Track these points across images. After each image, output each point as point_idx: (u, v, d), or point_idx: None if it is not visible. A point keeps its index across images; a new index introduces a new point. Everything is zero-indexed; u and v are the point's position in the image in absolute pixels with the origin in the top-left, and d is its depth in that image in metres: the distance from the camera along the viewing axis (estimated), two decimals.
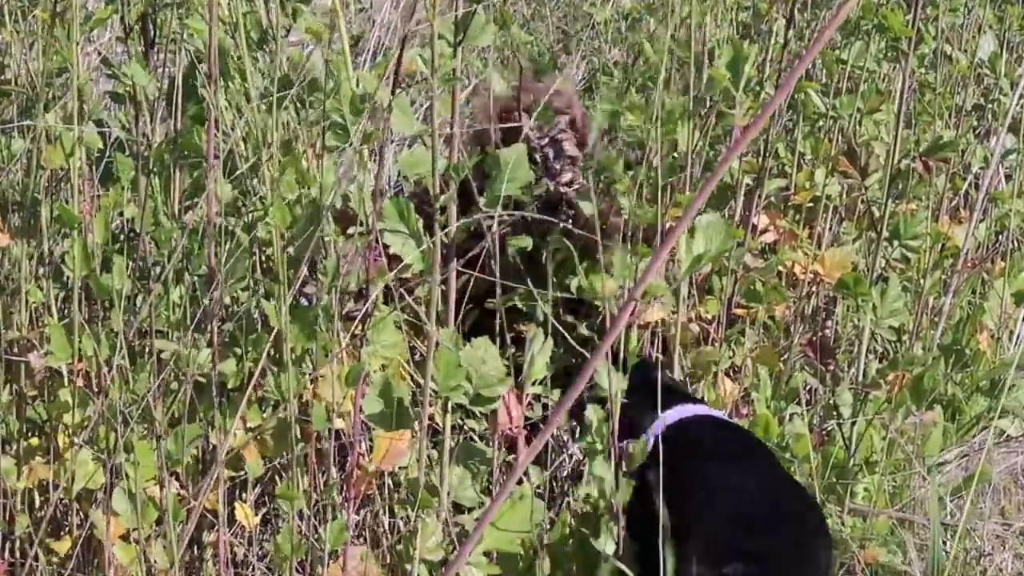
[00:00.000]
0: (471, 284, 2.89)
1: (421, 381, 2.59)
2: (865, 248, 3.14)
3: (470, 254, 2.72)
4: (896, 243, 2.83)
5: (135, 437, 2.53)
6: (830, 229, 3.23)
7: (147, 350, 2.59)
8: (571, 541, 2.60)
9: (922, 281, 3.01)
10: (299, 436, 2.62)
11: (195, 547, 2.78)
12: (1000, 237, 3.71)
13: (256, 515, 2.77)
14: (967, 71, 3.40)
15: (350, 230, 2.63)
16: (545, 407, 2.79)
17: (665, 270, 2.85)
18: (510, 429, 2.69)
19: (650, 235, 2.80)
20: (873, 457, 2.87)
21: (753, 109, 2.75)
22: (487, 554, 2.62)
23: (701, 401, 2.72)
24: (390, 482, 2.80)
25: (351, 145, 2.60)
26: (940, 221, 3.35)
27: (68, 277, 2.69)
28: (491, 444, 2.70)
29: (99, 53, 2.79)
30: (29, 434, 2.78)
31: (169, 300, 2.64)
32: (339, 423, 2.64)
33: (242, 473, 2.73)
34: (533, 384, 2.62)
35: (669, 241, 1.40)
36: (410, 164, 2.66)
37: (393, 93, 2.53)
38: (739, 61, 2.75)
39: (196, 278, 2.67)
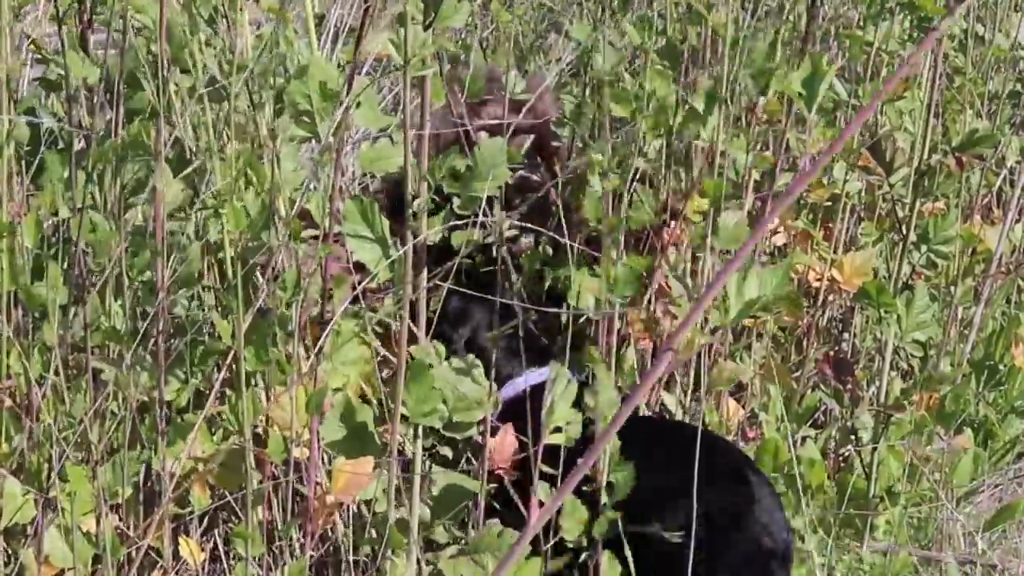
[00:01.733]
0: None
1: (390, 403, 2.40)
2: (887, 252, 2.90)
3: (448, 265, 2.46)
4: (924, 247, 2.60)
5: (70, 464, 2.37)
6: (847, 230, 2.97)
7: (84, 367, 2.41)
8: None
9: (952, 289, 2.77)
10: (253, 466, 2.44)
11: None
12: None
13: (203, 551, 2.59)
14: (1002, 54, 3.13)
15: (305, 233, 2.40)
16: None
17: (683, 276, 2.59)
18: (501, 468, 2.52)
19: (640, 236, 2.58)
20: (895, 487, 2.69)
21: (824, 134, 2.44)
22: None
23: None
24: (354, 513, 2.61)
25: (317, 137, 2.39)
26: (971, 221, 3.09)
27: None
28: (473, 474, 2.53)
29: (27, 36, 2.55)
30: None
31: (109, 311, 2.45)
32: (299, 452, 2.46)
33: (188, 509, 2.55)
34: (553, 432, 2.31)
35: (717, 283, 1.23)
36: (371, 159, 2.47)
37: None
38: (817, 78, 2.45)
39: (140, 286, 2.48)
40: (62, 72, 2.51)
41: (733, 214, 2.59)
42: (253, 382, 2.45)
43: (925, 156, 2.65)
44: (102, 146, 2.44)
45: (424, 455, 2.53)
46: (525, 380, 2.64)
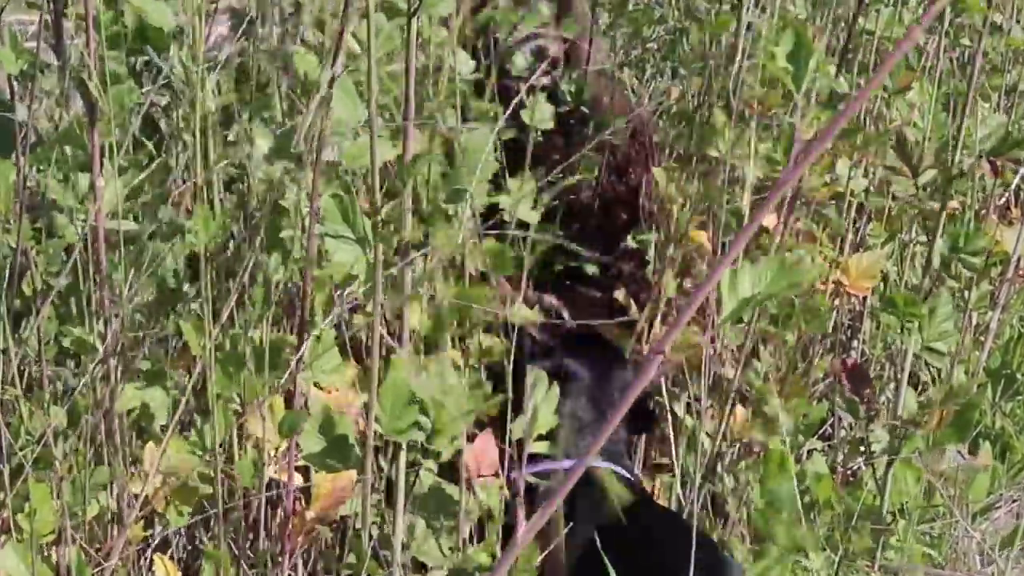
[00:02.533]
0: None
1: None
2: (898, 253, 2.77)
3: None
4: (953, 256, 2.47)
5: (32, 480, 2.25)
6: (857, 230, 2.84)
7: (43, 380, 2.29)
8: None
9: (966, 294, 2.65)
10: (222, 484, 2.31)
11: None
12: None
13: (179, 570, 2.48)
14: (1020, 45, 3.00)
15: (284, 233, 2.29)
16: None
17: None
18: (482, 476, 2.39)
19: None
20: (908, 503, 2.61)
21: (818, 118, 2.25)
22: None
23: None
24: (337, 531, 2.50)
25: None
26: (986, 222, 2.97)
27: None
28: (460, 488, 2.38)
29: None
30: None
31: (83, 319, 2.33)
32: (273, 471, 2.36)
33: (160, 528, 2.46)
34: (537, 440, 2.20)
35: (709, 282, 1.16)
36: (353, 156, 2.33)
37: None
38: (804, 52, 2.17)
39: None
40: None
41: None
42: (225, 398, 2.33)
43: (948, 158, 2.53)
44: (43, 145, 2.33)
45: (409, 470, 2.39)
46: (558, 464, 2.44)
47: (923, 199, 2.58)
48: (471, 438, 2.35)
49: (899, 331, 2.49)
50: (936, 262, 2.52)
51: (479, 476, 2.39)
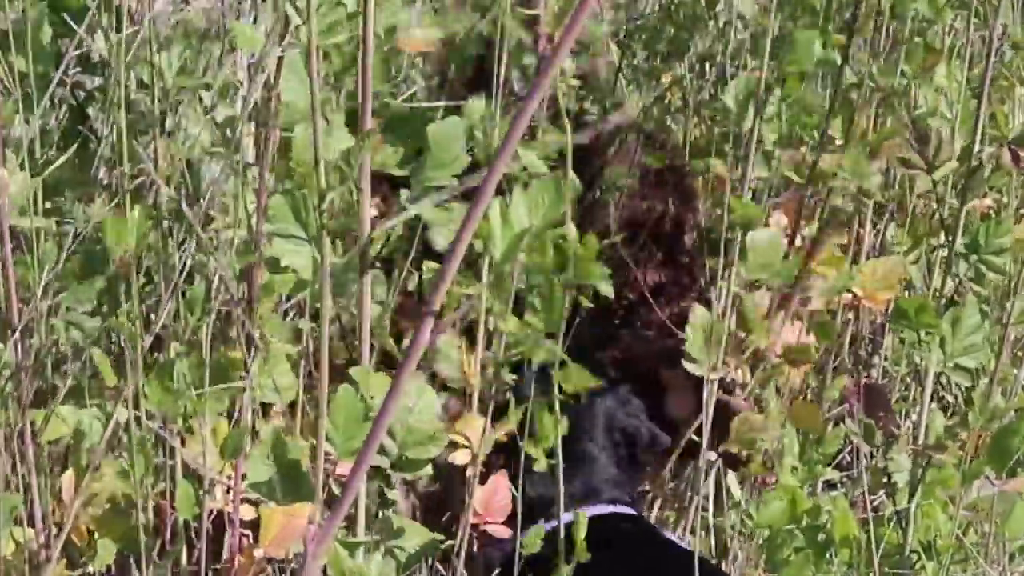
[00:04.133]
0: None
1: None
2: (924, 260, 2.54)
3: None
4: (974, 258, 2.25)
5: None
6: (877, 234, 2.62)
7: None
8: None
9: (1004, 305, 2.43)
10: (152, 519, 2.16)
11: None
12: None
13: None
14: None
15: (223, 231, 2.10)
16: None
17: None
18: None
19: None
20: (938, 540, 2.38)
21: None
22: None
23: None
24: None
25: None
26: (1022, 223, 2.72)
27: None
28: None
29: None
30: None
31: None
32: (216, 500, 2.18)
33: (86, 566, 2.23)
34: None
35: (475, 211, 1.09)
36: (303, 147, 2.08)
37: None
38: None
39: None
40: None
41: (764, 233, 2.26)
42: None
43: (976, 151, 2.31)
44: None
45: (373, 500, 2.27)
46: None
47: (942, 196, 2.37)
48: (483, 478, 2.22)
49: (917, 346, 2.27)
50: (957, 266, 2.31)
51: (487, 524, 2.25)
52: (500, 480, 2.23)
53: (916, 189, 2.57)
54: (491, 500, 2.21)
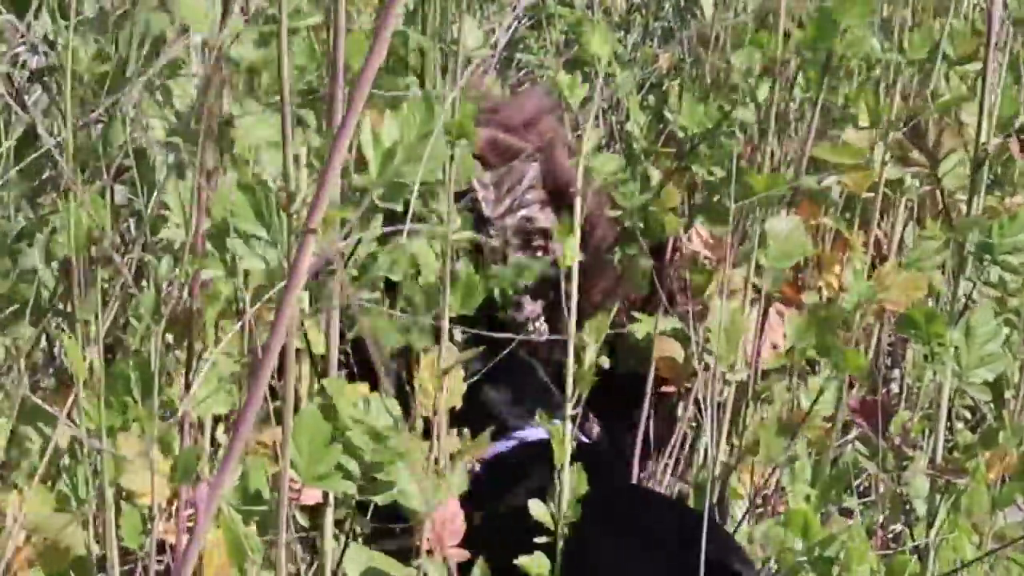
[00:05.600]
0: None
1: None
2: (954, 263, 2.38)
3: None
4: (987, 258, 2.08)
5: None
6: (899, 233, 2.46)
7: None
8: None
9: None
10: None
11: None
12: None
13: None
14: None
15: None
16: None
17: None
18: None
19: None
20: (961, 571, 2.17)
21: None
22: None
23: None
24: None
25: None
26: None
27: None
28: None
29: None
30: None
31: None
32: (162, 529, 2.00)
33: None
34: None
35: (341, 136, 1.04)
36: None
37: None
38: None
39: None
40: None
41: (786, 220, 2.11)
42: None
43: (984, 141, 2.15)
44: None
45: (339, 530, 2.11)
46: (527, 434, 2.26)
47: (949, 192, 2.22)
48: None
49: (930, 359, 2.10)
50: (969, 267, 2.15)
51: (441, 548, 2.11)
52: (453, 504, 2.09)
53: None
54: (446, 524, 2.09)
